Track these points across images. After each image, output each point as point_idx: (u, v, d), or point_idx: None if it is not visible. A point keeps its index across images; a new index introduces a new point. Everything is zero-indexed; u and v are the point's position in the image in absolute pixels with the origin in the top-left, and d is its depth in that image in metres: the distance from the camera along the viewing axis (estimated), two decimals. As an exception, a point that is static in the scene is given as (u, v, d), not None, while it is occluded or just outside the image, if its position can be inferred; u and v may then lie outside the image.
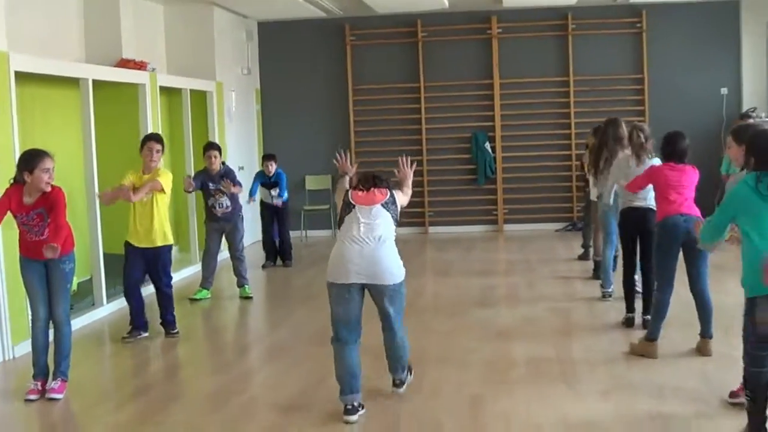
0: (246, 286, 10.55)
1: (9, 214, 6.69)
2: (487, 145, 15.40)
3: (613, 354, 7.49)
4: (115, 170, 8.91)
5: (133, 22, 11.70)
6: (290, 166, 13.28)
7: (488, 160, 15.43)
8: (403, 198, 6.43)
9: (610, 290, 9.49)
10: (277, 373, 7.45)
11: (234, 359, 8.16)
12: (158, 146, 8.55)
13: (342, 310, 6.10)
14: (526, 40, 15.36)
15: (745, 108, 14.48)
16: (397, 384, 6.54)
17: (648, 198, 8.14)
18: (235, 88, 14.48)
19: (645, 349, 7.28)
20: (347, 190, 6.30)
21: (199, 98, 13.13)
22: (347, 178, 6.47)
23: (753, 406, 5.26)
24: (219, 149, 10.47)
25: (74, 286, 9.82)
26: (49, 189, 6.64)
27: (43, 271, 6.78)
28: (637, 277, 8.41)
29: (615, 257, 9.59)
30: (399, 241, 6.31)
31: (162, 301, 8.74)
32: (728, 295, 8.43)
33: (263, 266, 12.56)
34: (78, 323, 8.98)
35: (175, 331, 8.76)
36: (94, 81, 9.71)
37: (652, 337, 7.27)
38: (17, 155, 7.22)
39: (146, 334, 8.61)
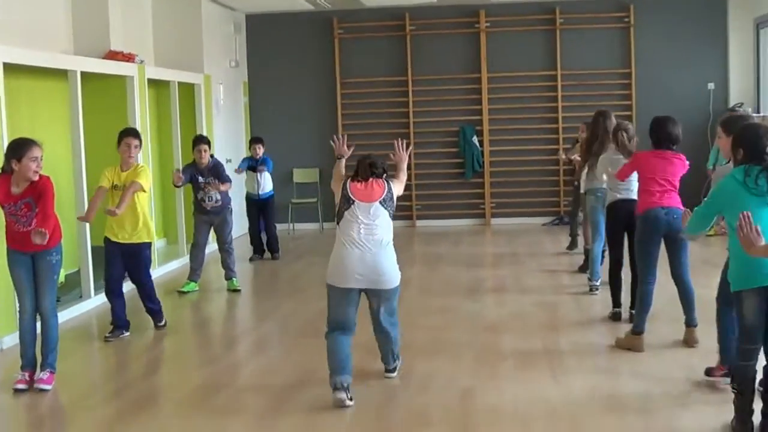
0: (234, 278, 10.54)
1: None
2: (475, 139, 15.43)
3: (599, 347, 7.53)
4: (102, 162, 8.84)
5: (122, 14, 11.66)
6: (278, 159, 13.26)
7: (476, 154, 15.45)
8: (398, 186, 6.55)
9: (597, 283, 9.52)
10: (266, 364, 7.46)
11: (222, 351, 8.15)
12: (136, 141, 8.29)
13: (341, 312, 6.24)
14: (514, 34, 15.38)
15: (732, 103, 14.55)
16: (390, 371, 6.71)
17: (635, 190, 8.17)
18: (223, 81, 14.46)
19: (631, 343, 7.30)
20: (345, 181, 6.39)
21: (187, 91, 13.11)
22: (343, 162, 6.61)
23: (740, 400, 5.27)
24: (209, 143, 10.45)
25: (62, 278, 9.80)
26: (36, 178, 6.60)
27: (31, 264, 6.76)
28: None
29: (603, 252, 9.62)
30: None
31: (143, 294, 8.58)
32: (714, 290, 8.44)
33: (250, 259, 12.56)
34: (66, 315, 8.97)
35: (162, 323, 8.70)
36: (82, 73, 9.68)
37: (638, 330, 7.29)
38: (5, 147, 7.18)
39: (128, 334, 8.45)
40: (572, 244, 12.14)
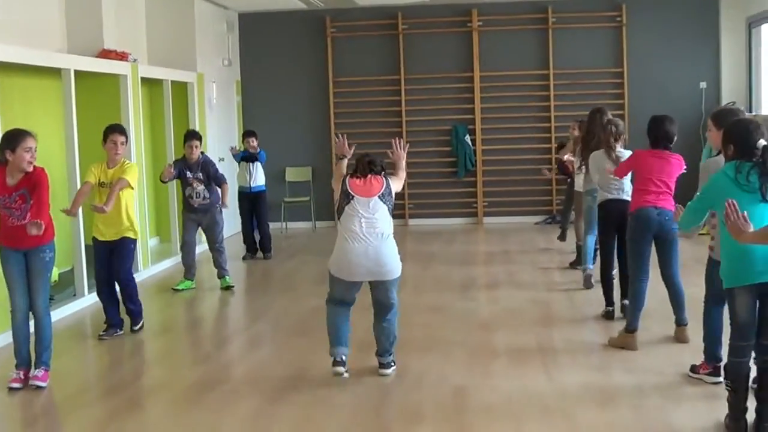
0: (226, 276, 10.54)
1: None
2: (467, 138, 15.45)
3: (592, 344, 7.56)
4: (95, 161, 8.85)
5: (115, 13, 11.67)
6: (270, 158, 13.24)
7: (468, 153, 15.47)
8: (397, 183, 6.72)
9: (590, 267, 9.58)
10: (260, 362, 7.47)
11: (216, 349, 8.16)
12: (122, 138, 8.22)
13: (346, 294, 6.64)
14: (506, 33, 15.40)
15: (724, 102, 14.58)
16: (384, 366, 6.76)
17: (626, 191, 8.21)
18: (215, 80, 14.46)
19: (624, 341, 7.31)
20: (344, 178, 6.54)
21: (180, 89, 13.11)
22: (345, 162, 6.74)
23: (734, 397, 5.27)
24: (200, 138, 10.45)
25: (55, 277, 9.82)
26: (30, 169, 6.59)
27: (24, 261, 6.74)
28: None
29: (595, 250, 9.65)
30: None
31: (124, 295, 8.42)
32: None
33: (243, 258, 12.56)
34: (59, 314, 8.97)
35: (138, 327, 8.49)
36: (75, 71, 9.68)
37: (631, 329, 7.31)
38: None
39: (122, 332, 8.41)
40: (562, 235, 12.19)
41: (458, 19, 15.47)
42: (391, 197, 6.56)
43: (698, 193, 5.55)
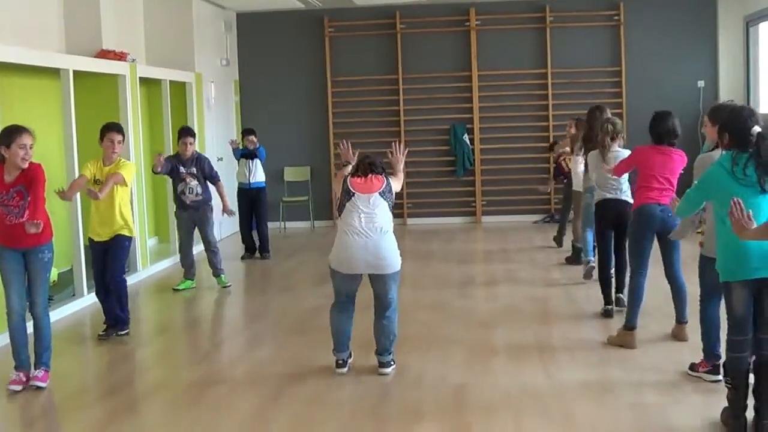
0: (222, 275, 10.54)
1: None
2: (466, 137, 15.45)
3: (591, 341, 7.57)
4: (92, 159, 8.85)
5: (113, 13, 11.68)
6: (269, 158, 13.25)
7: (467, 152, 15.48)
8: (397, 183, 6.85)
9: (592, 258, 9.64)
10: (259, 361, 7.46)
11: (215, 348, 8.17)
12: (119, 137, 8.17)
13: (346, 287, 6.74)
14: (504, 32, 15.40)
15: (721, 101, 14.57)
16: (383, 365, 6.77)
17: (623, 190, 8.23)
18: (214, 79, 14.46)
19: (623, 340, 7.31)
20: (345, 178, 6.68)
21: (179, 89, 13.11)
22: (349, 168, 6.87)
23: (734, 394, 5.26)
24: (194, 135, 10.45)
25: (54, 277, 9.82)
26: (25, 165, 6.57)
27: (22, 261, 6.73)
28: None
29: (594, 247, 9.67)
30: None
31: (114, 294, 8.28)
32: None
33: (242, 258, 12.56)
34: (59, 314, 8.97)
35: (124, 332, 8.35)
36: (74, 72, 9.67)
37: (630, 326, 7.31)
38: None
39: (122, 333, 8.41)
40: (559, 240, 12.21)
41: (456, 19, 15.47)
42: (392, 194, 6.69)
43: (696, 182, 5.54)
